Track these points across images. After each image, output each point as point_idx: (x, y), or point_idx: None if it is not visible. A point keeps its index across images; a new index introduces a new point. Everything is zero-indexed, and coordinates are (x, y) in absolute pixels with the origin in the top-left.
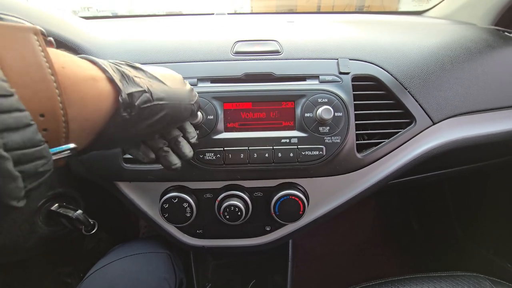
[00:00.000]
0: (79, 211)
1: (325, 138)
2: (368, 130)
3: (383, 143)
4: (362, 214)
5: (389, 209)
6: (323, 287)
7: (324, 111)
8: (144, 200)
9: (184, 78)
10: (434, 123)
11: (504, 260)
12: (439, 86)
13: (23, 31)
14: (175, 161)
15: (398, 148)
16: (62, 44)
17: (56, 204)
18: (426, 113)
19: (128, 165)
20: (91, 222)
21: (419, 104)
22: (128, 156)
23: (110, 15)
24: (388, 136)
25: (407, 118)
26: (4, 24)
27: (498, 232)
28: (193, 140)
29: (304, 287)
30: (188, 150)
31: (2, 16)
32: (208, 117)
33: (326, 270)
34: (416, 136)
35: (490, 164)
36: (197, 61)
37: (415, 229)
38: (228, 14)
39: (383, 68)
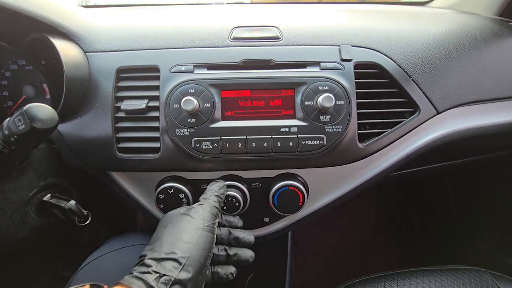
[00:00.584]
0: (72, 202)
1: (326, 127)
2: (370, 120)
3: (385, 132)
4: (361, 209)
5: (389, 204)
6: (322, 281)
7: (325, 99)
8: (139, 190)
9: (180, 64)
10: (438, 113)
11: (505, 255)
12: (444, 74)
13: None
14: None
15: (401, 138)
16: (54, 29)
17: (49, 195)
18: (431, 102)
19: (122, 154)
20: (85, 213)
21: (423, 92)
22: (122, 145)
23: (108, 3)
24: (391, 125)
25: (411, 107)
26: None
27: (498, 226)
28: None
29: (303, 282)
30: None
31: None
32: (205, 105)
33: (325, 264)
34: (420, 126)
35: (494, 156)
36: (193, 47)
37: (415, 224)
38: (227, 4)
39: (386, 56)
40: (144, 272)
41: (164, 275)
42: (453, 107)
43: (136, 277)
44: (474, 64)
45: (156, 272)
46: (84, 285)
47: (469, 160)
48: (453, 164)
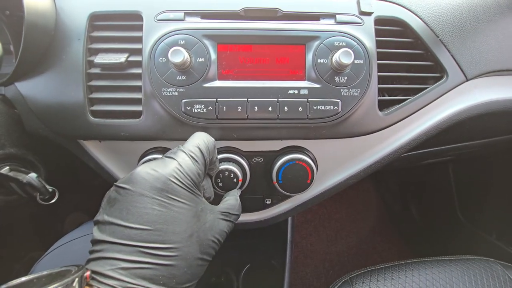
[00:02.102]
0: (32, 174)
1: (341, 90)
2: (390, 85)
3: (408, 100)
4: (360, 202)
5: (388, 196)
6: (321, 273)
7: (343, 54)
8: (117, 164)
9: (167, 11)
10: (467, 80)
11: (507, 245)
12: (474, 36)
13: None
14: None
15: (424, 108)
16: None
17: (7, 167)
18: (460, 67)
19: (97, 119)
20: (49, 189)
21: (452, 56)
22: (97, 107)
23: None
24: (414, 92)
25: (437, 72)
26: None
27: (500, 216)
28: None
29: (302, 275)
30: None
31: None
32: (198, 59)
33: (324, 257)
34: (446, 94)
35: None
36: None
37: (414, 216)
38: None
39: (412, 12)
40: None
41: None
42: (483, 74)
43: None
44: (502, 29)
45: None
46: (43, 273)
47: (486, 142)
48: (468, 146)
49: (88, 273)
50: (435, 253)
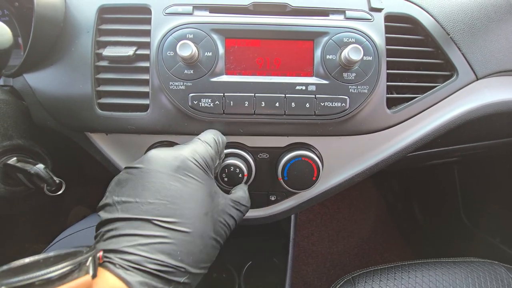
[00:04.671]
0: (40, 165)
1: (350, 87)
2: (399, 82)
3: (417, 98)
4: (363, 202)
5: (390, 197)
6: (322, 273)
7: (352, 51)
8: (124, 157)
9: (176, 4)
10: (477, 79)
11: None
12: (485, 35)
13: None
14: None
15: (433, 107)
16: None
17: (15, 158)
18: (470, 66)
19: (104, 112)
20: (56, 181)
21: (462, 54)
22: (104, 100)
23: None
24: (423, 90)
25: (447, 70)
26: None
27: (505, 219)
28: None
29: (303, 274)
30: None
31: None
32: (206, 53)
33: (325, 256)
34: (456, 93)
35: None
36: None
37: (417, 217)
38: None
39: (423, 9)
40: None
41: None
42: (493, 73)
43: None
44: None
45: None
46: (50, 253)
47: (493, 144)
48: (475, 147)
49: (100, 253)
50: (437, 255)
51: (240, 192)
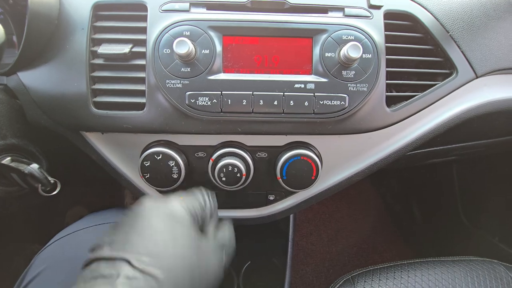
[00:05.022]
0: (34, 165)
1: (349, 85)
2: (398, 80)
3: (416, 96)
4: (361, 201)
5: (389, 196)
6: (321, 272)
7: (351, 48)
8: (120, 157)
9: (172, 1)
10: (477, 77)
11: (510, 247)
12: (484, 33)
13: None
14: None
15: (432, 105)
16: None
17: (9, 158)
18: (469, 64)
19: (99, 110)
20: (51, 181)
21: (462, 52)
22: (99, 99)
23: None
24: (422, 88)
25: (446, 69)
26: None
27: (504, 218)
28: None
29: (303, 274)
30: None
31: None
32: (203, 51)
33: (324, 256)
34: (455, 92)
35: None
36: None
37: (416, 216)
38: None
39: (422, 6)
40: None
41: None
42: (492, 72)
43: None
44: (511, 26)
45: None
46: None
47: (492, 142)
48: (475, 146)
49: None
50: (436, 254)
51: (228, 235)
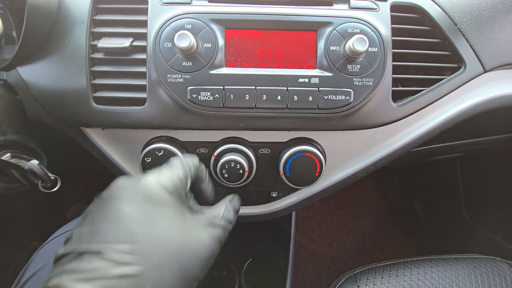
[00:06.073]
0: (34, 161)
1: (354, 79)
2: (405, 75)
3: (423, 91)
4: (363, 198)
5: (391, 193)
6: (322, 269)
7: (357, 41)
8: (121, 153)
9: None
10: (485, 71)
11: None
12: (492, 27)
13: None
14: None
15: (440, 100)
16: None
17: (9, 154)
18: (478, 58)
19: (100, 106)
20: (51, 177)
21: (470, 45)
22: (100, 94)
23: None
24: (429, 83)
25: (454, 63)
26: None
27: (507, 216)
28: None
29: (304, 271)
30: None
31: None
32: (205, 45)
33: (326, 253)
34: (463, 86)
35: None
36: None
37: (418, 213)
38: None
39: None
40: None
41: None
42: (500, 66)
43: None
44: None
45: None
46: None
47: (499, 139)
48: (481, 142)
49: None
50: (439, 251)
51: (220, 207)
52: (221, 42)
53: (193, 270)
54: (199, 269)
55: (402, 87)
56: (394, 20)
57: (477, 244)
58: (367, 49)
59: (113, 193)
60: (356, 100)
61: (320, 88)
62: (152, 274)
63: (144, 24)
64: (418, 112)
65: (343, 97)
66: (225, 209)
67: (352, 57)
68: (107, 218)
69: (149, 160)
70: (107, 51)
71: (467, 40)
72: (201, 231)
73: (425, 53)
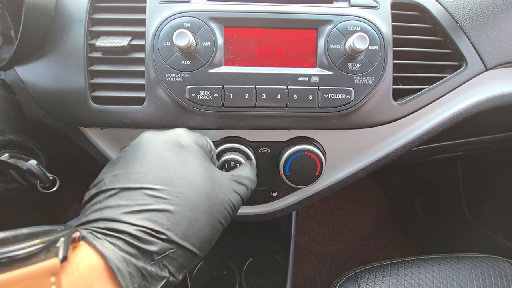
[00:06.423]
0: (32, 161)
1: (354, 77)
2: (406, 73)
3: (424, 89)
4: (363, 198)
5: (391, 192)
6: (323, 269)
7: (357, 39)
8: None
9: None
10: (486, 69)
11: None
12: (493, 24)
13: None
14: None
15: (441, 99)
16: None
17: (7, 154)
18: (479, 56)
19: (98, 105)
20: (50, 177)
21: (471, 43)
22: (98, 93)
23: None
24: (430, 81)
25: (455, 61)
26: (23, 273)
27: (508, 215)
28: None
29: (305, 270)
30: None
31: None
32: (204, 43)
33: (326, 252)
34: (464, 85)
35: None
36: None
37: (419, 212)
38: None
39: None
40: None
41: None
42: (502, 64)
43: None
44: None
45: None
46: (22, 230)
47: (500, 138)
48: (482, 141)
49: (77, 234)
50: (439, 251)
51: (243, 169)
52: (220, 40)
53: (220, 217)
54: (224, 217)
55: (403, 85)
56: (394, 18)
57: (478, 243)
58: (368, 47)
59: (144, 141)
60: (357, 99)
61: (320, 87)
62: (187, 213)
63: (142, 22)
64: (419, 111)
65: (344, 96)
66: (248, 170)
67: (352, 55)
68: (143, 161)
69: None
70: (105, 50)
71: (468, 38)
72: (228, 184)
73: (426, 51)
